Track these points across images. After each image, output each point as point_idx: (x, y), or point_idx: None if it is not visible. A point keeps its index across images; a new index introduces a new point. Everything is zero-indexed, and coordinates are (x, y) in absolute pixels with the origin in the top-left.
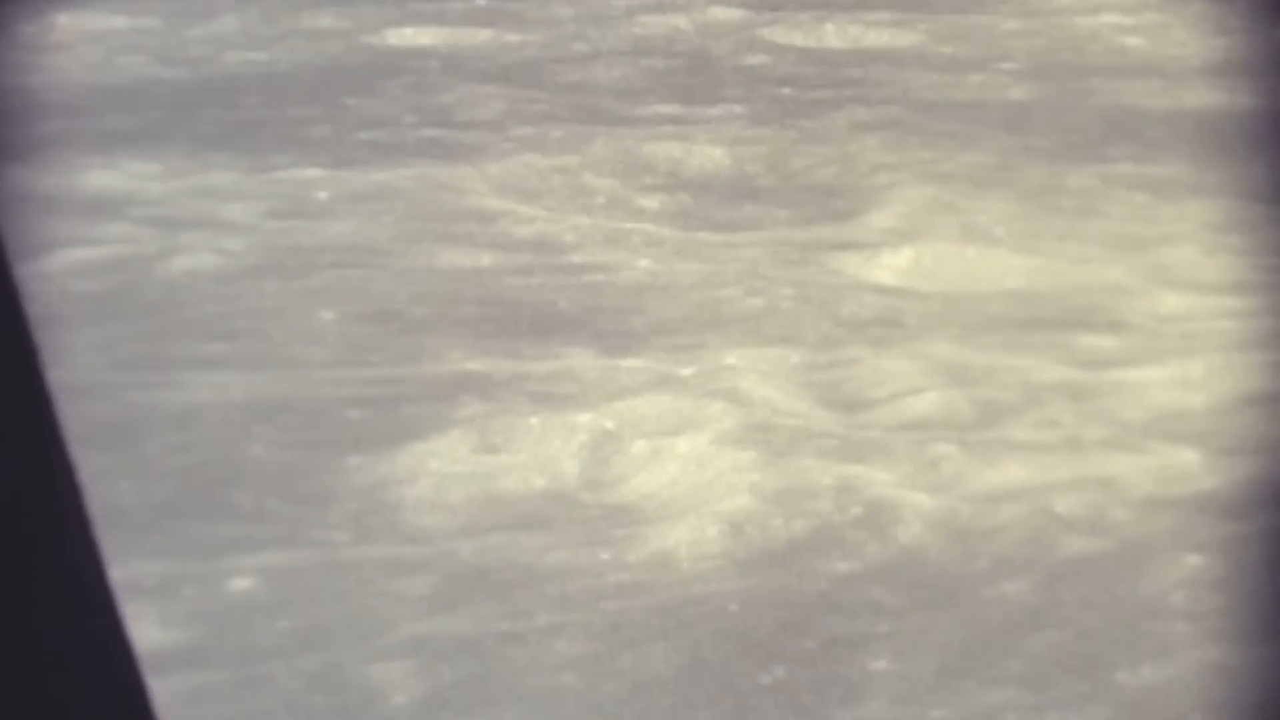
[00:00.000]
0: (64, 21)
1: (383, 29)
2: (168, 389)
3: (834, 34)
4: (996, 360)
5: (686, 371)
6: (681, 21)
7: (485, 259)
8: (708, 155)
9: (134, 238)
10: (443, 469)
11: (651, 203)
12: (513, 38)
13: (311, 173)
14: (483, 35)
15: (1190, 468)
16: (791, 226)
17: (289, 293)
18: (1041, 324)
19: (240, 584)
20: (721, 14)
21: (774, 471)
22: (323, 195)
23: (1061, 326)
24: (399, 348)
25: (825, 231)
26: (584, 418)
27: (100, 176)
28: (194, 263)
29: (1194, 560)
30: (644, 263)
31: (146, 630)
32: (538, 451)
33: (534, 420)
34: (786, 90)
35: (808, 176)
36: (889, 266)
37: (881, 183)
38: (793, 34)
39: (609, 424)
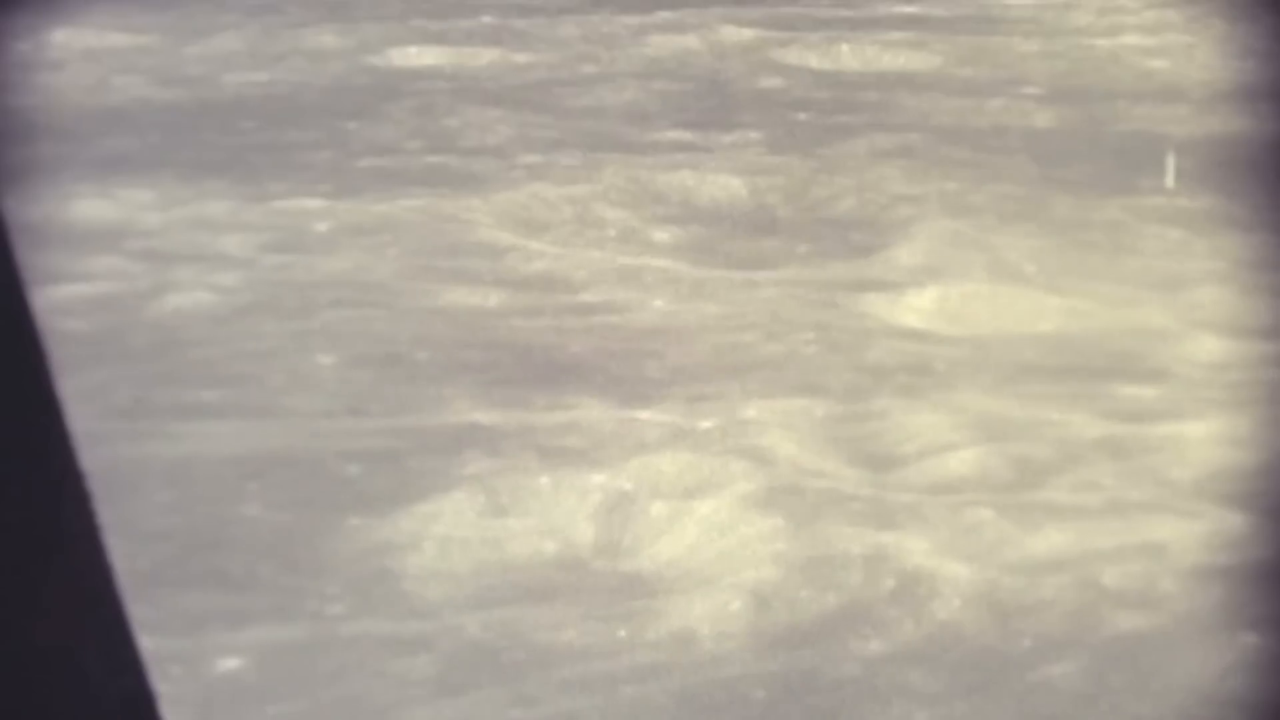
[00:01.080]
0: (60, 39)
1: (386, 48)
2: (157, 440)
3: (849, 55)
4: (1032, 413)
5: (706, 425)
6: (692, 42)
7: (492, 298)
8: (723, 185)
9: (126, 273)
10: (447, 533)
11: (665, 235)
12: (520, 58)
13: (311, 203)
14: (489, 55)
15: (1241, 533)
16: (812, 263)
17: (286, 334)
18: (1077, 372)
19: (229, 664)
20: (733, 34)
21: (801, 539)
22: (322, 227)
23: (1099, 375)
24: (401, 396)
25: (847, 269)
26: (598, 477)
27: (92, 206)
28: (187, 301)
29: (1249, 639)
30: (658, 303)
31: None
32: (549, 514)
33: (544, 479)
34: (803, 115)
35: (827, 208)
36: (915, 308)
37: (904, 215)
38: (807, 55)
39: (625, 484)
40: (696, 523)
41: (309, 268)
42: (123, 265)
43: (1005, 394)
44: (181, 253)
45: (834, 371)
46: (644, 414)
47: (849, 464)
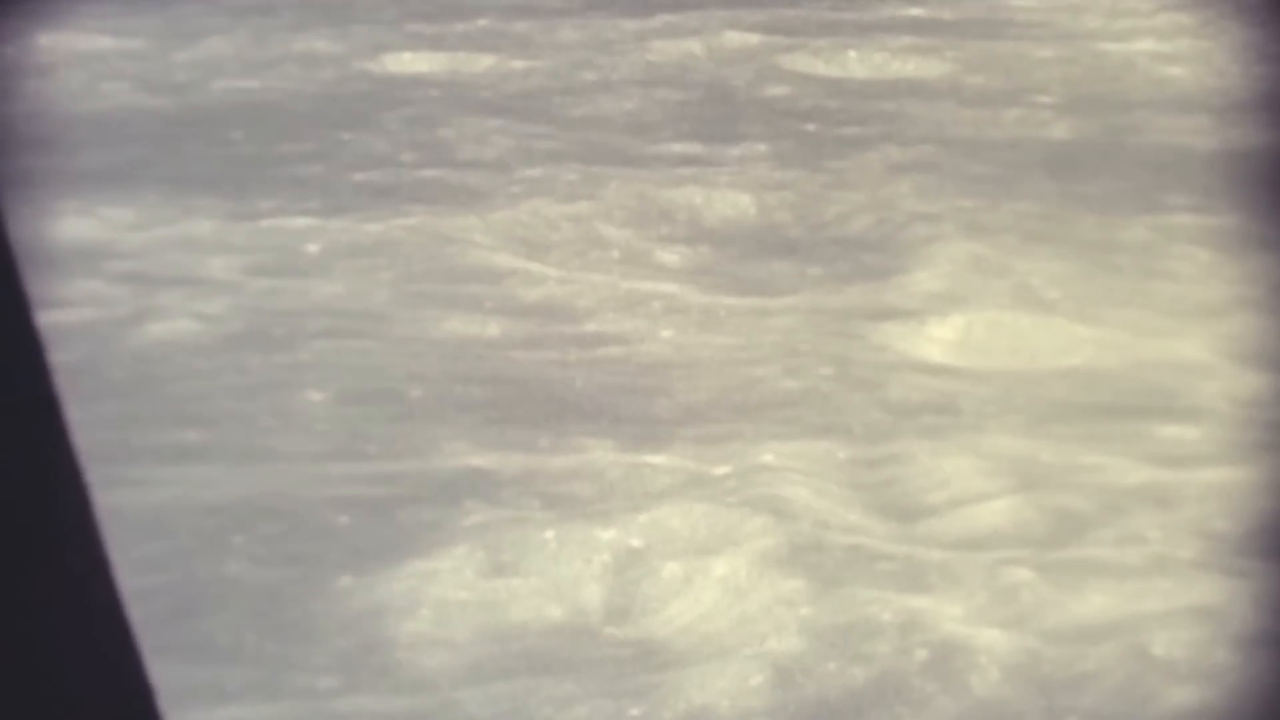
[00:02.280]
0: (47, 42)
1: (380, 54)
2: (135, 488)
3: (857, 62)
4: (1066, 457)
5: (720, 471)
6: (695, 47)
7: (491, 327)
8: (731, 202)
9: (106, 299)
10: (445, 596)
11: (671, 257)
12: (517, 64)
13: (301, 221)
14: (485, 61)
15: None
16: (826, 289)
17: (273, 368)
18: (1111, 411)
19: None
20: (737, 39)
21: (825, 603)
22: (313, 248)
23: (1134, 414)
24: (395, 437)
25: (864, 295)
26: (606, 533)
27: (74, 225)
28: (169, 330)
29: None
30: (667, 333)
31: None
32: (554, 574)
33: (549, 534)
34: (811, 126)
35: (840, 227)
36: (937, 339)
37: (920, 235)
38: (814, 62)
39: (634, 541)
40: (712, 584)
41: (299, 293)
42: (103, 290)
43: (1036, 435)
44: (165, 276)
45: (854, 410)
46: (654, 458)
47: (874, 515)
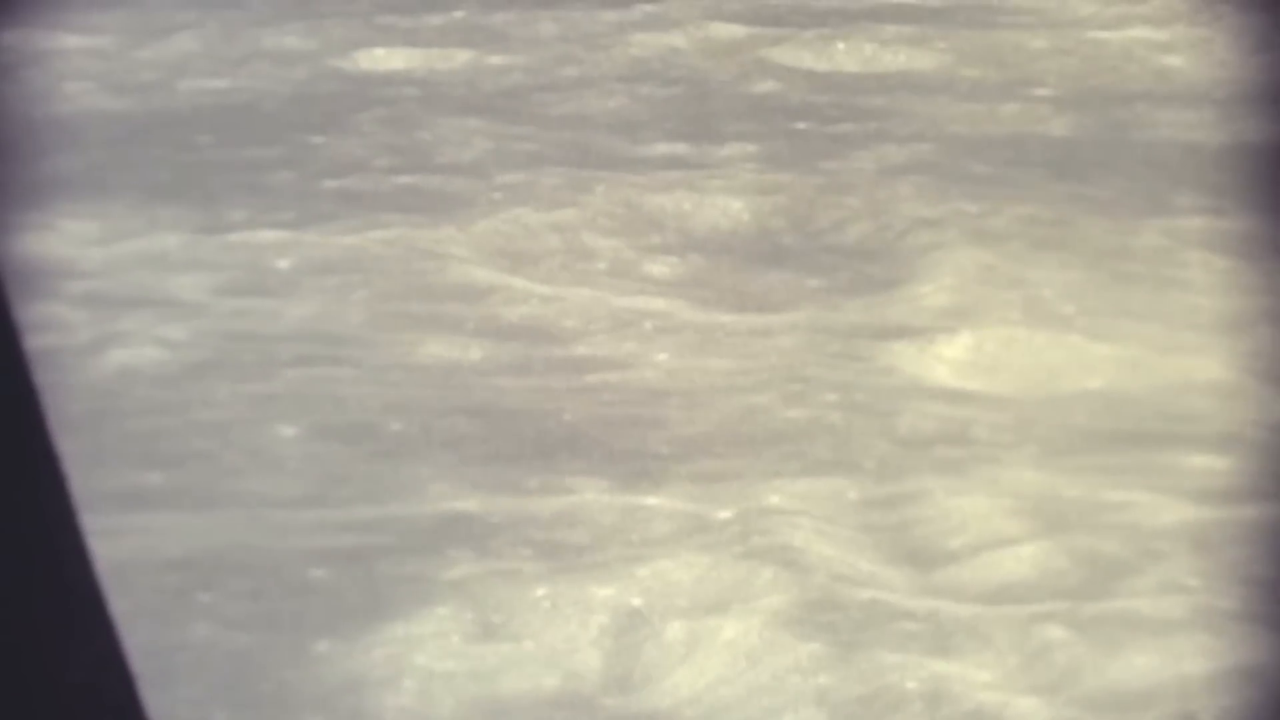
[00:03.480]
0: (10, 41)
1: (353, 50)
2: (91, 539)
3: (846, 54)
4: (1092, 492)
5: (723, 515)
6: (678, 40)
7: (474, 351)
8: (721, 208)
9: (66, 323)
10: (429, 665)
11: (662, 269)
12: (495, 60)
13: (272, 234)
14: (462, 57)
15: None
16: (827, 303)
17: (243, 400)
18: (1136, 439)
19: None
20: (722, 31)
21: (845, 670)
22: (284, 264)
23: (1160, 443)
24: (373, 478)
25: (867, 310)
26: (604, 590)
27: (32, 240)
28: (132, 357)
29: None
30: (661, 356)
31: None
32: (548, 638)
33: (541, 592)
34: (802, 124)
35: (838, 234)
36: (947, 359)
37: (923, 242)
38: (801, 54)
39: (634, 599)
40: (720, 649)
41: (269, 315)
42: (62, 313)
43: (1058, 468)
44: (128, 297)
45: (863, 443)
46: (651, 499)
47: (892, 564)
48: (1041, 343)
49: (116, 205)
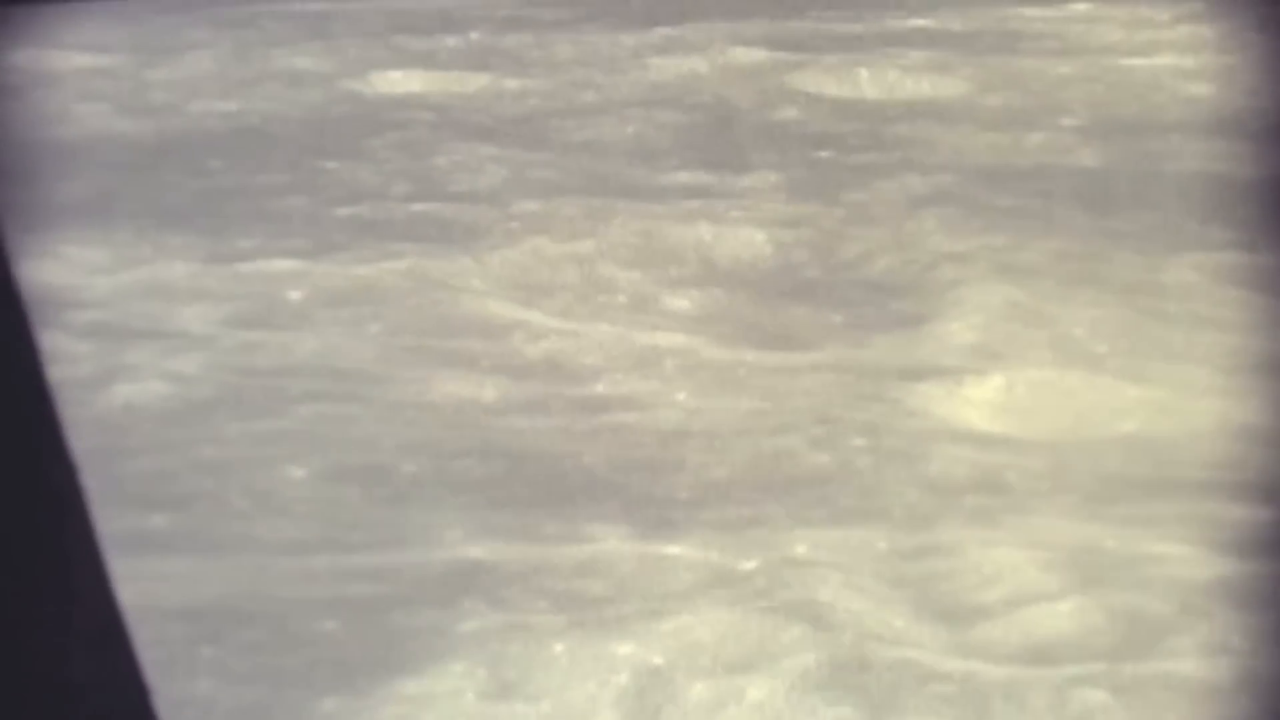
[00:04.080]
0: (22, 60)
1: (368, 72)
2: None
3: (869, 81)
4: (1130, 544)
5: (747, 566)
6: (698, 65)
7: (489, 388)
8: (744, 240)
9: (70, 355)
10: None
11: (682, 303)
12: (512, 84)
13: (283, 264)
14: (478, 81)
15: None
16: (853, 340)
17: (251, 438)
18: (1173, 488)
19: None
20: (742, 55)
21: None
22: (295, 295)
23: (1199, 492)
24: (385, 523)
25: (894, 349)
26: (624, 647)
27: (38, 268)
28: (138, 393)
29: None
30: (682, 395)
31: None
32: (565, 697)
33: (559, 648)
34: (825, 153)
35: (862, 268)
36: (977, 401)
37: (949, 278)
38: (824, 81)
39: (655, 657)
40: (746, 712)
41: (280, 348)
42: (67, 345)
43: (1095, 518)
44: (135, 328)
45: (892, 489)
46: (672, 548)
47: (923, 620)
48: (1073, 384)
49: (124, 231)
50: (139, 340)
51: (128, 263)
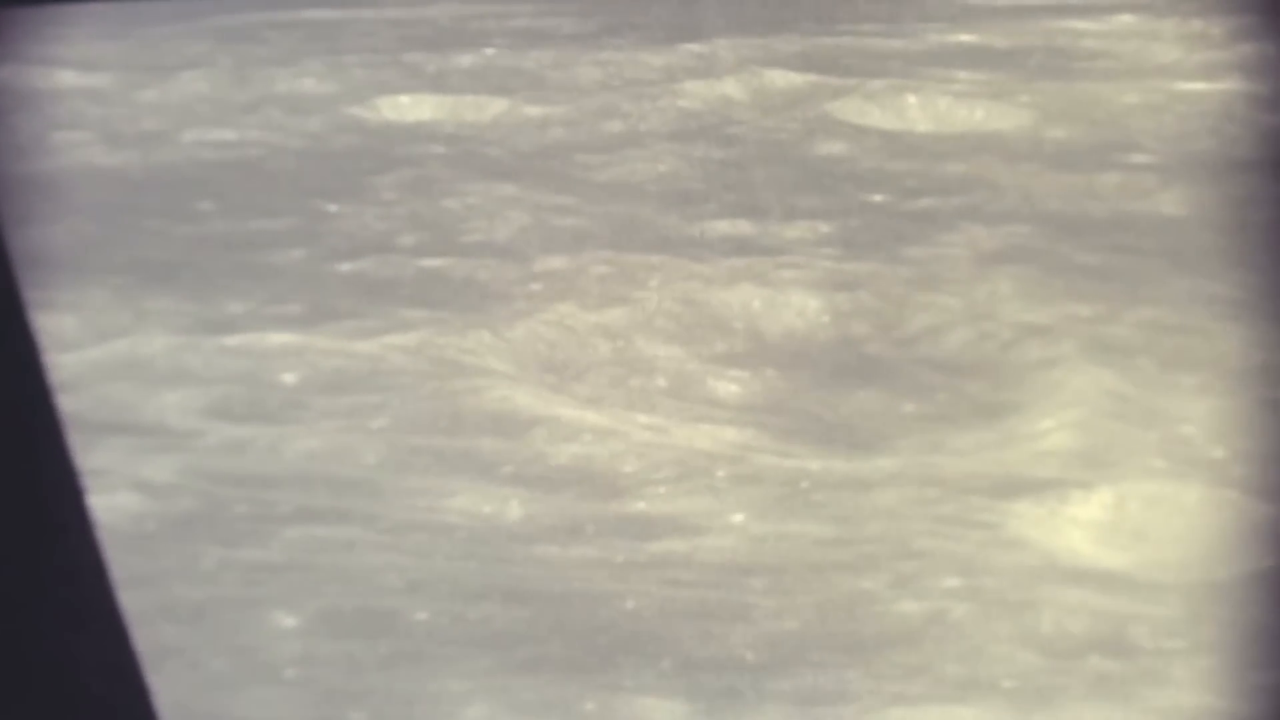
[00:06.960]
0: (4, 77)
1: (374, 97)
2: None
3: (918, 109)
4: None
5: None
6: (733, 90)
7: (513, 509)
8: (797, 308)
9: None
10: None
11: (731, 387)
12: (532, 111)
13: (277, 338)
14: (496, 107)
15: None
16: (929, 440)
17: (234, 571)
18: None
19: None
20: (779, 79)
21: None
22: (290, 379)
23: None
24: (390, 693)
25: (980, 453)
26: None
27: None
28: (104, 508)
29: None
30: (739, 517)
31: None
32: None
33: None
34: (878, 196)
35: (932, 344)
36: (1084, 524)
37: (1034, 358)
38: (869, 109)
39: None
40: None
41: (269, 449)
42: None
43: (1241, 691)
44: (104, 422)
45: (997, 651)
46: None
47: None
48: (1194, 501)
49: (99, 292)
50: (109, 438)
51: (102, 334)
